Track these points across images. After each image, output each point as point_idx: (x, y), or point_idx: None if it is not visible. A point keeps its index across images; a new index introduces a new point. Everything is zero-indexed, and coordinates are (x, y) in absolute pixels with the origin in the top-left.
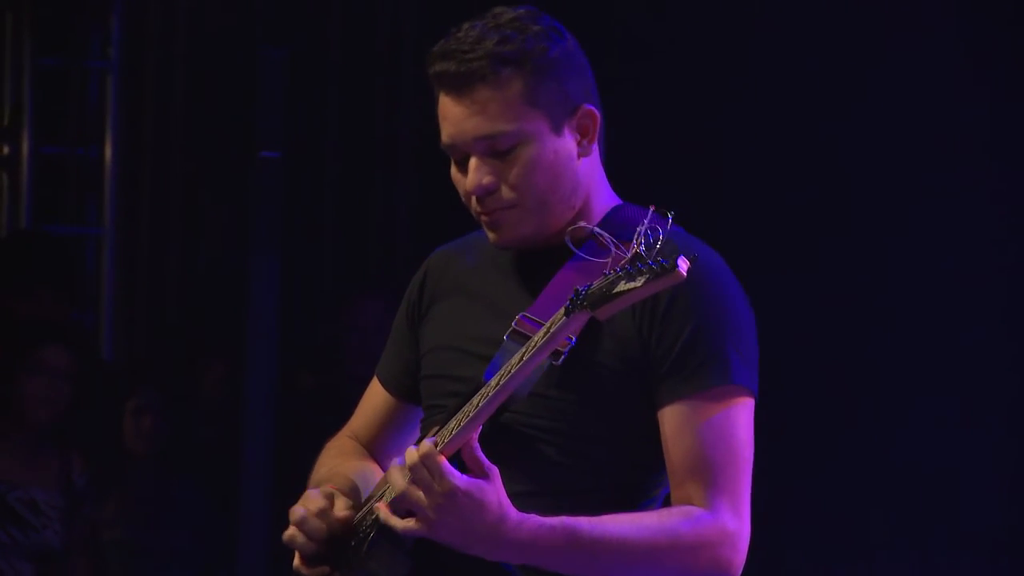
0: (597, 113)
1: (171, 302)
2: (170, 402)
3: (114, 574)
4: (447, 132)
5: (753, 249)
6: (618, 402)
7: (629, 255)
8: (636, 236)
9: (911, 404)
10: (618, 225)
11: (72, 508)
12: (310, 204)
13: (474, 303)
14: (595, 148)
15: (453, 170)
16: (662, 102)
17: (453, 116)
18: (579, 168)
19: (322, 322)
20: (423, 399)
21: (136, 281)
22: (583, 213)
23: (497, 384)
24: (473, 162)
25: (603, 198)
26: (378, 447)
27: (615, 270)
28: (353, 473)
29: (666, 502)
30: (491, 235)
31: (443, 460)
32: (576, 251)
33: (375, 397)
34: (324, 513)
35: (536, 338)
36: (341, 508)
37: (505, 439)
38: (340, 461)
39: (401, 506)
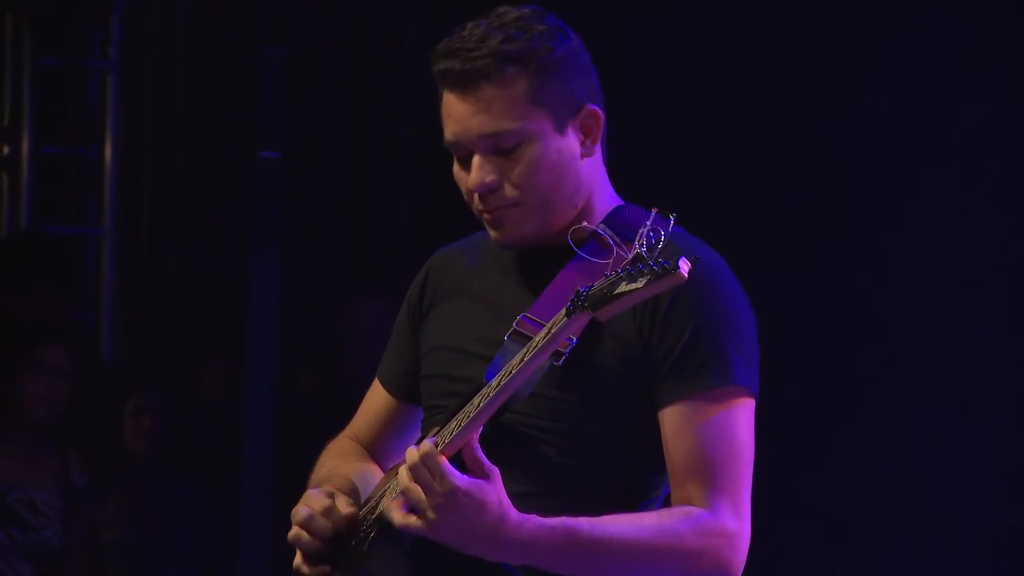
0: (601, 113)
1: (171, 302)
2: (170, 402)
3: (114, 574)
4: (451, 130)
5: (753, 249)
6: (619, 403)
7: (631, 256)
8: (638, 237)
9: (911, 404)
10: (619, 226)
11: (71, 508)
12: (310, 204)
13: (475, 304)
14: (598, 148)
15: (456, 168)
16: (661, 102)
17: (457, 114)
18: (582, 168)
19: (322, 322)
20: (423, 399)
21: (136, 281)
22: (585, 213)
23: (498, 385)
24: (476, 160)
25: (605, 198)
26: (379, 448)
27: (616, 271)
28: (353, 474)
29: (666, 502)
30: (493, 233)
31: (443, 460)
32: (578, 251)
33: (376, 398)
34: (329, 511)
35: (537, 339)
36: (345, 505)
37: (506, 439)
38: (340, 462)
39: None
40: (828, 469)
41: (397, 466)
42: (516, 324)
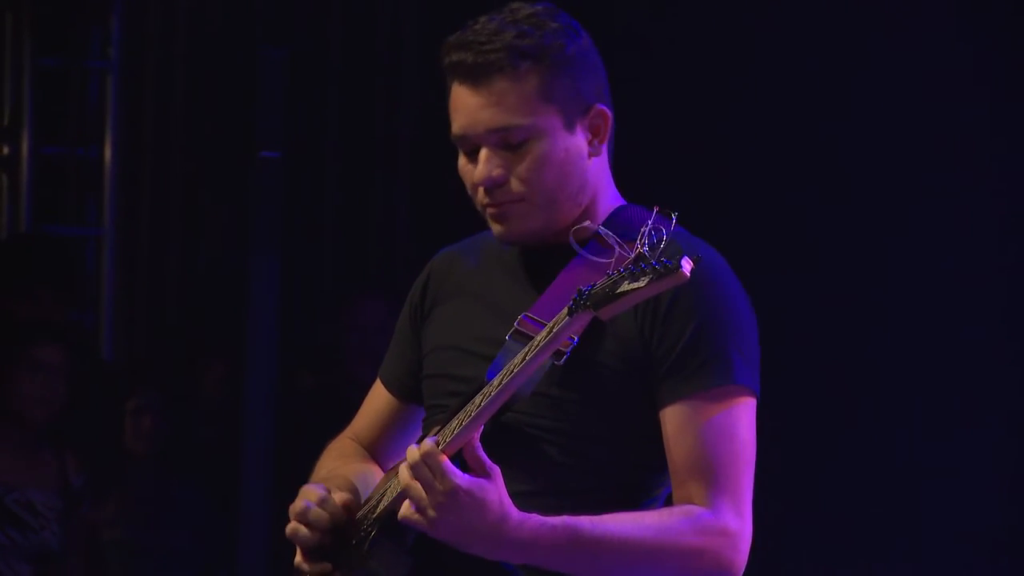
0: (609, 113)
1: (171, 302)
2: (170, 402)
3: (114, 574)
4: (459, 123)
5: (754, 249)
6: (620, 402)
7: (632, 255)
8: (640, 236)
9: (911, 404)
10: (621, 225)
11: (69, 509)
12: (310, 204)
13: (477, 303)
14: (605, 148)
15: (461, 162)
16: (662, 102)
17: (467, 106)
18: (588, 167)
19: (322, 322)
20: (425, 399)
21: (136, 281)
22: (588, 212)
23: (499, 384)
24: (484, 153)
25: (608, 198)
26: (380, 448)
27: (618, 270)
28: (353, 475)
29: (668, 502)
30: (496, 228)
31: (445, 458)
32: (580, 250)
33: (377, 399)
34: (325, 501)
35: (539, 338)
36: (340, 495)
37: (507, 439)
38: (340, 463)
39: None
40: (828, 469)
41: (397, 466)
42: (518, 323)
